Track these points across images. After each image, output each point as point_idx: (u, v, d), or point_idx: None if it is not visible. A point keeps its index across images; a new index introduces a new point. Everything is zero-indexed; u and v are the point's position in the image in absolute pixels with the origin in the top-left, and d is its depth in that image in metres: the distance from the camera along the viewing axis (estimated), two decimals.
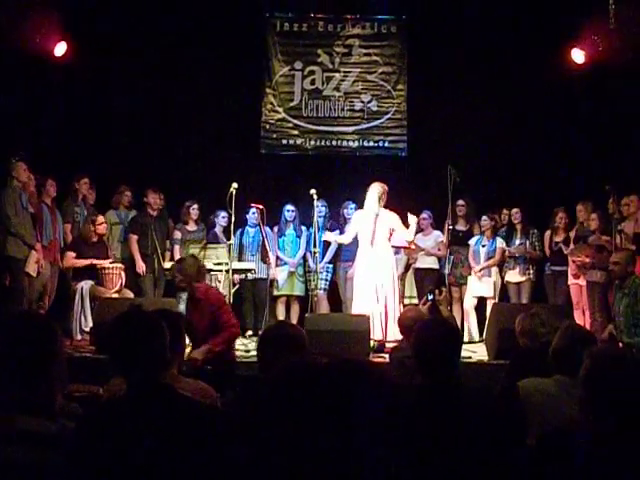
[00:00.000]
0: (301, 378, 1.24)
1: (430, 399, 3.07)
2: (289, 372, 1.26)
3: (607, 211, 9.59)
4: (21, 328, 2.92)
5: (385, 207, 9.30)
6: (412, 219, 9.32)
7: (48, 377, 2.88)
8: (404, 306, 10.00)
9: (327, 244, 10.59)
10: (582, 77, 11.01)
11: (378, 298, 9.00)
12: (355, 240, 9.50)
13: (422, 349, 3.30)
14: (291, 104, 12.57)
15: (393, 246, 9.42)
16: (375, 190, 9.27)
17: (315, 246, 9.70)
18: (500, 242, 10.45)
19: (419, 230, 10.93)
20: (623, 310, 7.71)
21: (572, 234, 10.03)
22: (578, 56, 10.96)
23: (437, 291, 9.91)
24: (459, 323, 10.45)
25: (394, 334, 8.71)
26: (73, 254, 9.54)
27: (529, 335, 4.89)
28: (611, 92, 10.54)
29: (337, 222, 10.73)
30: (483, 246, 10.47)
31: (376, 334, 8.66)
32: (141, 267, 10.05)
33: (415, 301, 10.73)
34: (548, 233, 10.43)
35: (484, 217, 10.57)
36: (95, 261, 9.44)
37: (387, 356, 7.76)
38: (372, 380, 1.25)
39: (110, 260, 9.62)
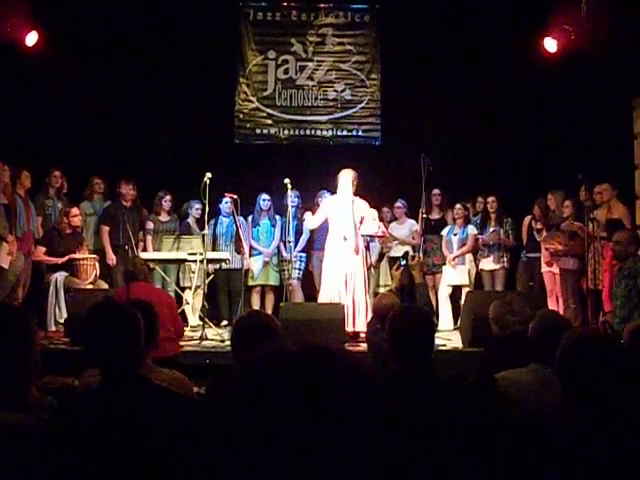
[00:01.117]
0: (272, 365, 1.24)
1: (404, 385, 3.09)
2: (260, 359, 1.26)
3: (579, 199, 9.67)
4: None
5: (358, 195, 9.31)
6: (373, 213, 9.36)
7: (23, 369, 2.87)
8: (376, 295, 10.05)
9: (300, 233, 10.59)
10: (555, 66, 11.05)
11: (347, 288, 9.01)
12: (327, 228, 9.48)
13: (396, 336, 3.32)
14: (265, 93, 12.55)
15: (363, 235, 9.40)
16: (349, 176, 9.26)
17: (288, 235, 9.70)
18: (472, 229, 10.50)
19: (393, 218, 10.98)
20: (621, 293, 7.74)
21: (542, 222, 10.08)
22: (550, 45, 11.00)
23: (410, 256, 9.97)
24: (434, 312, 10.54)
25: (362, 325, 8.73)
26: (43, 249, 9.49)
27: (499, 323, 4.92)
28: (583, 81, 10.60)
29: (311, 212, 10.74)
30: (455, 234, 10.52)
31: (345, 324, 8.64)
32: (112, 259, 10.01)
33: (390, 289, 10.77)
34: (527, 220, 10.47)
35: (457, 205, 10.61)
36: (60, 260, 9.39)
37: (362, 344, 7.81)
38: (344, 366, 1.25)
39: (78, 251, 9.55)
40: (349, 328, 8.77)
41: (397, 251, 10.64)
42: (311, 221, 9.59)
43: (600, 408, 2.71)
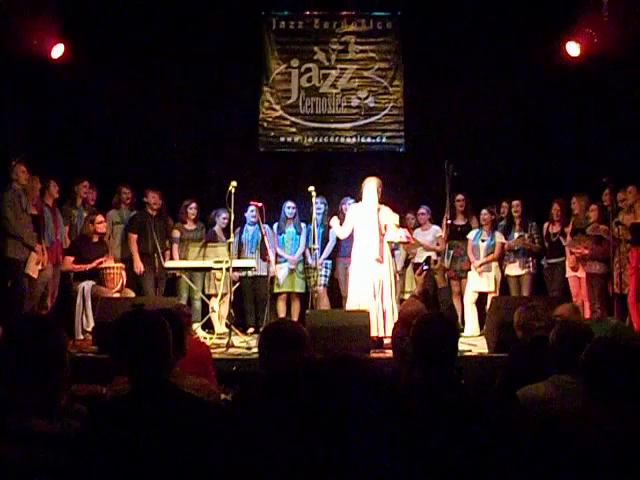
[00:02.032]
0: (298, 374, 1.28)
1: (428, 392, 3.12)
2: (286, 368, 1.31)
3: (602, 203, 9.64)
4: (27, 331, 2.97)
5: (382, 202, 9.32)
6: (395, 218, 9.37)
7: (54, 378, 2.93)
8: (402, 301, 10.05)
9: (326, 240, 10.63)
10: (578, 70, 11.03)
11: (375, 294, 9.02)
12: (352, 235, 9.51)
13: (420, 344, 3.34)
14: (288, 102, 12.60)
15: (389, 241, 9.41)
16: (374, 184, 9.28)
17: (314, 242, 9.72)
18: (499, 237, 10.47)
19: (417, 225, 10.98)
20: None
21: (569, 227, 10.05)
22: (573, 49, 10.98)
23: (432, 261, 9.96)
24: (459, 316, 10.52)
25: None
26: (71, 258, 9.59)
27: (523, 328, 4.92)
28: (607, 84, 10.57)
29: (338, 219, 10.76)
30: (483, 241, 10.48)
31: (373, 331, 8.65)
32: (139, 267, 10.06)
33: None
34: (546, 225, 10.47)
35: (484, 211, 10.58)
36: (89, 266, 9.48)
37: (388, 350, 7.82)
38: (368, 377, 1.29)
39: (104, 258, 9.63)
40: (380, 334, 8.78)
41: (421, 257, 10.65)
42: (341, 232, 9.61)
43: (621, 411, 2.74)
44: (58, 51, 10.93)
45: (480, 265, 10.39)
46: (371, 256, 9.08)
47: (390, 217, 9.27)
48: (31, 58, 10.34)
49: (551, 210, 10.32)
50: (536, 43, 10.91)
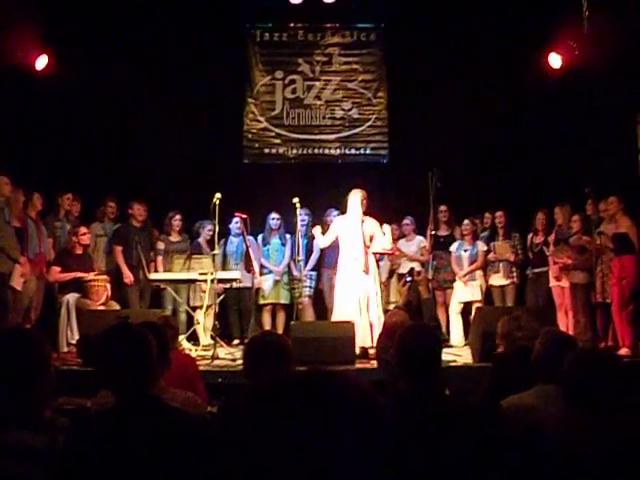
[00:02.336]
0: (281, 388, 1.30)
1: (413, 403, 3.13)
2: (271, 383, 1.32)
3: (585, 213, 9.70)
4: (10, 344, 2.96)
5: (366, 213, 9.35)
6: (387, 228, 9.38)
7: (37, 391, 2.92)
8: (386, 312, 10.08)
9: (310, 252, 10.64)
10: (560, 81, 11.10)
11: (361, 305, 9.04)
12: (337, 246, 9.54)
13: (404, 355, 3.35)
14: (272, 113, 12.64)
15: (374, 253, 9.45)
16: (358, 197, 9.31)
17: (298, 254, 9.74)
18: (481, 246, 10.53)
19: (402, 236, 11.01)
20: None
21: (552, 237, 10.11)
22: (555, 60, 11.06)
23: (415, 272, 9.99)
24: (444, 326, 10.55)
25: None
26: (58, 269, 9.55)
27: (507, 338, 4.94)
28: (588, 96, 10.65)
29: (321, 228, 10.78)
30: (465, 251, 10.54)
31: (359, 341, 8.67)
32: (129, 277, 10.03)
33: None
34: (530, 235, 10.53)
35: (466, 221, 10.65)
36: (80, 274, 9.45)
37: (373, 361, 7.83)
38: (347, 389, 1.30)
39: (94, 272, 9.64)
40: (366, 344, 8.80)
41: (405, 268, 10.69)
42: (322, 240, 9.63)
43: (601, 419, 2.79)
44: (42, 62, 10.91)
45: (465, 275, 10.44)
46: (357, 268, 9.10)
47: (375, 228, 9.30)
48: (15, 69, 10.31)
49: (535, 220, 10.38)
50: (519, 55, 10.98)
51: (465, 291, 10.48)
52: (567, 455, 2.76)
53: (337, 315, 9.21)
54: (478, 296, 10.45)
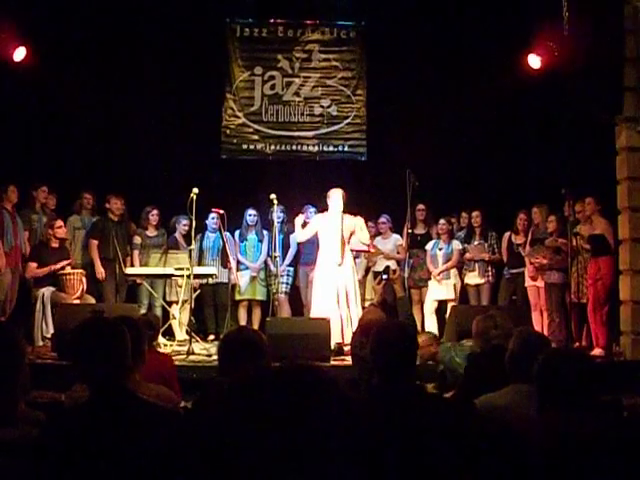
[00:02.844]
0: (257, 383, 1.30)
1: (387, 400, 3.14)
2: (246, 378, 1.32)
3: (563, 214, 9.76)
4: None
5: (344, 211, 9.39)
6: (360, 221, 9.47)
7: (11, 384, 2.91)
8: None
9: (286, 248, 10.65)
10: (539, 82, 11.14)
11: (339, 301, 9.07)
12: (315, 243, 9.57)
13: (379, 352, 3.36)
14: (251, 109, 12.61)
15: (352, 250, 9.49)
16: (338, 195, 9.36)
17: (275, 250, 9.74)
18: (457, 244, 10.57)
19: (377, 233, 11.03)
20: None
21: (528, 237, 10.17)
22: (534, 61, 11.10)
23: (391, 270, 10.04)
24: (419, 325, 10.58)
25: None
26: (34, 264, 9.48)
27: (481, 337, 4.97)
28: (567, 97, 10.68)
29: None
30: (440, 249, 10.58)
31: (335, 337, 8.71)
32: (100, 272, 10.00)
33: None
34: (506, 236, 10.57)
35: (441, 220, 10.69)
36: (54, 267, 9.39)
37: (348, 358, 7.85)
38: (326, 385, 1.31)
39: (68, 261, 9.57)
40: (338, 339, 8.83)
41: (381, 266, 10.71)
42: (300, 235, 9.66)
43: (574, 418, 2.82)
44: (20, 54, 10.81)
45: (439, 273, 10.47)
46: (337, 263, 9.15)
47: (355, 221, 9.37)
48: None
49: (516, 220, 10.42)
50: (498, 55, 11.01)
51: (439, 289, 10.52)
52: (540, 454, 2.78)
53: (314, 311, 9.24)
54: (452, 295, 10.49)
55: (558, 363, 3.01)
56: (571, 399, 2.90)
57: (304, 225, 9.68)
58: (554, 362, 3.02)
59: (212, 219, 10.50)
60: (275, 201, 9.59)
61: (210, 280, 10.40)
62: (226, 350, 3.68)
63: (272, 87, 12.62)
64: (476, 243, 10.57)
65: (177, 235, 10.62)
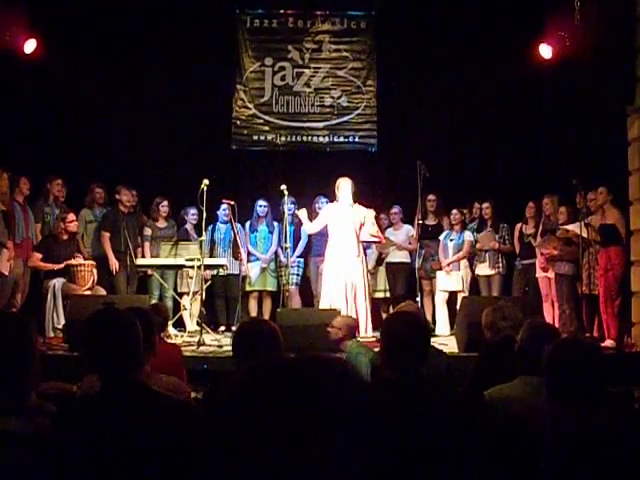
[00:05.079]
0: (271, 373, 1.30)
1: (397, 393, 3.14)
2: (259, 368, 1.32)
3: (574, 204, 9.71)
4: None
5: (356, 202, 9.39)
6: (371, 214, 9.46)
7: (23, 376, 2.91)
8: (373, 300, 10.12)
9: (297, 239, 10.65)
10: (550, 72, 11.09)
11: (348, 293, 9.07)
12: (326, 234, 9.56)
13: (390, 343, 3.35)
14: (261, 100, 12.60)
15: (362, 241, 9.49)
16: (348, 185, 9.36)
17: (286, 241, 9.74)
18: (468, 235, 10.54)
19: (389, 224, 11.02)
20: None
21: (539, 228, 10.13)
22: (546, 51, 11.05)
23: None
24: (430, 316, 10.57)
25: (364, 330, 8.82)
26: (39, 255, 9.43)
27: (491, 328, 4.95)
28: (578, 87, 10.63)
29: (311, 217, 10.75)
30: (451, 240, 10.55)
31: None
32: (114, 264, 9.99)
33: (387, 294, 10.83)
34: (518, 226, 10.53)
35: (454, 210, 10.64)
36: (57, 267, 9.38)
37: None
38: (338, 376, 1.31)
39: (74, 259, 9.54)
40: None
41: (394, 256, 10.71)
42: (310, 226, 9.66)
43: (583, 410, 2.81)
44: (30, 46, 10.82)
45: (448, 264, 10.45)
46: (347, 255, 9.14)
47: (365, 213, 9.36)
48: (2, 53, 10.22)
49: (526, 210, 10.38)
50: (509, 45, 10.97)
51: (447, 280, 10.49)
52: (550, 446, 2.77)
53: (324, 302, 9.24)
54: (459, 286, 10.45)
55: (567, 353, 2.98)
56: (581, 390, 2.89)
57: (311, 218, 9.68)
58: (563, 352, 3.00)
59: (223, 210, 10.51)
60: (285, 192, 9.59)
61: (221, 271, 10.41)
62: (241, 341, 3.69)
63: (282, 78, 12.60)
64: (485, 231, 10.53)
65: (188, 226, 10.63)
